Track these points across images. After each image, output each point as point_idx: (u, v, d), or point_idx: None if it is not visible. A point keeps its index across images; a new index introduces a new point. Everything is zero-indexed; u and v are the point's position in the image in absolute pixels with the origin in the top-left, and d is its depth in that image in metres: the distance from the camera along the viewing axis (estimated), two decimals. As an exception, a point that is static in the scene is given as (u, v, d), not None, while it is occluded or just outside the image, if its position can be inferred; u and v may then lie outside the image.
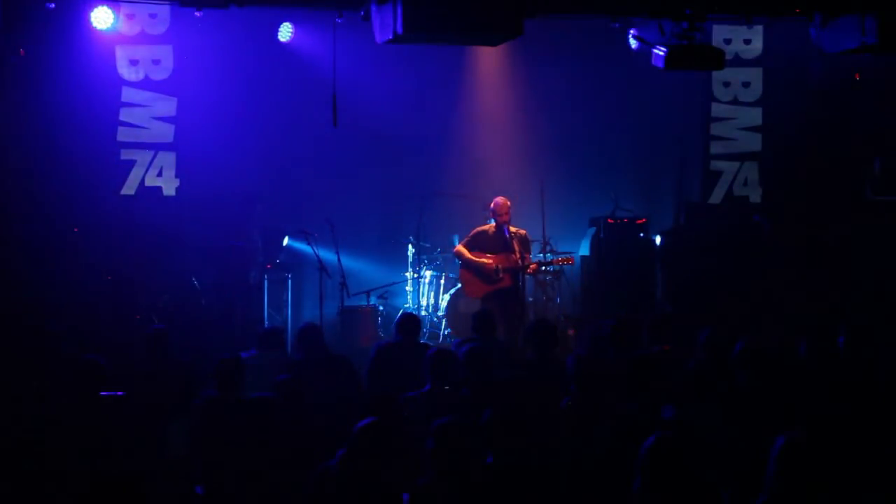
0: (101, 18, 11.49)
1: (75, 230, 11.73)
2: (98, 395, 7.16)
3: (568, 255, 11.73)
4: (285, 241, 12.57)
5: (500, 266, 10.89)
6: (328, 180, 12.94)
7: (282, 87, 12.62)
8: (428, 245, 12.87)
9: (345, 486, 5.58)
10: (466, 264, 11.12)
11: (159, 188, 12.21)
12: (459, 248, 11.19)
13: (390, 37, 8.99)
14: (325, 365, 8.19)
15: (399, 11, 8.84)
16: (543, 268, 11.77)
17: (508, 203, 10.93)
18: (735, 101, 13.06)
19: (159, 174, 12.18)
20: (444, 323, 12.40)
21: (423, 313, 12.60)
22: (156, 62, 12.05)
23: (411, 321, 8.73)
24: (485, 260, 10.94)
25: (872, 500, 5.56)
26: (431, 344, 11.15)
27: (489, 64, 13.24)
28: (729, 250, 12.34)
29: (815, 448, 5.01)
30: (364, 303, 12.50)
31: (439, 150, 13.29)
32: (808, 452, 4.98)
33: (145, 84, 12.08)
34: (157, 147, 12.17)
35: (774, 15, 10.89)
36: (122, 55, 11.99)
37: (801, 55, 12.53)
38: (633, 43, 11.99)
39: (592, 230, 12.90)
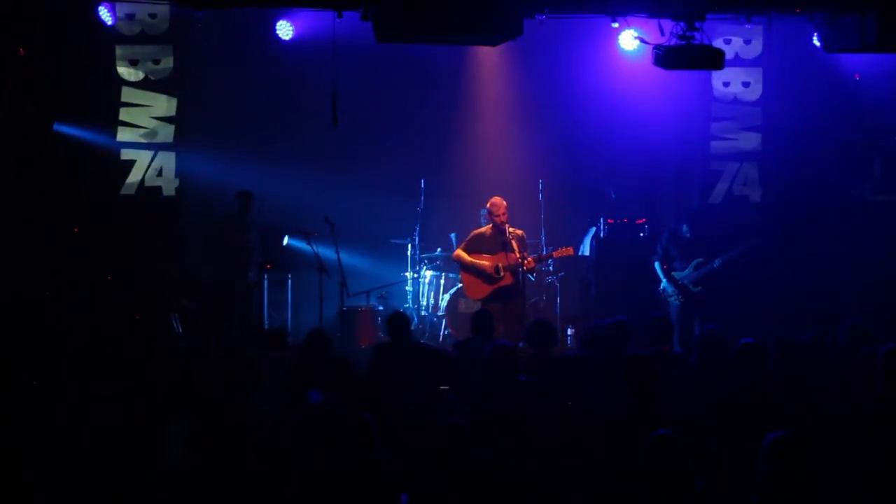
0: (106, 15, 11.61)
1: (75, 230, 11.74)
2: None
3: (566, 247, 11.62)
4: (285, 240, 12.57)
5: (500, 265, 10.89)
6: (328, 180, 12.95)
7: (281, 87, 12.63)
8: (428, 245, 12.87)
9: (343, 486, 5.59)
10: (466, 268, 11.11)
11: (159, 188, 12.21)
12: (459, 252, 11.17)
13: (390, 36, 9.00)
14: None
15: (399, 11, 8.85)
16: (540, 265, 11.72)
17: (505, 203, 10.91)
18: (735, 101, 13.06)
19: (159, 174, 12.19)
20: (443, 323, 12.39)
21: (423, 313, 12.60)
22: (156, 62, 12.07)
23: (398, 320, 8.70)
24: (484, 262, 10.92)
25: (861, 498, 5.57)
26: (430, 344, 11.16)
27: (489, 64, 13.23)
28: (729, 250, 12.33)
29: (804, 447, 5.02)
30: (364, 303, 12.51)
31: (439, 151, 13.28)
32: (795, 451, 4.99)
33: (145, 84, 12.09)
34: (157, 147, 12.18)
35: (773, 12, 10.88)
36: (122, 55, 12.00)
37: (801, 55, 12.53)
38: (633, 44, 11.98)
39: (592, 230, 12.89)
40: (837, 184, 12.98)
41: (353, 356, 9.60)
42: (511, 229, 10.86)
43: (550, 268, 12.41)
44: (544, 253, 11.68)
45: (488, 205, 10.98)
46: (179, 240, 12.23)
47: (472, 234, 11.22)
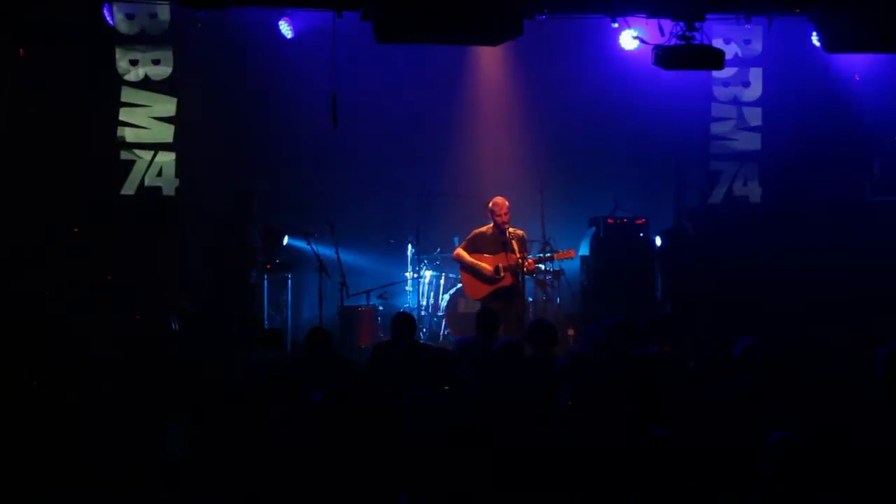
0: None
1: (75, 230, 11.73)
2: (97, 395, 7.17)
3: (568, 249, 11.65)
4: (285, 240, 12.57)
5: (500, 265, 10.89)
6: (328, 180, 12.94)
7: (281, 87, 12.62)
8: (428, 245, 12.86)
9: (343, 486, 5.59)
10: (466, 268, 11.11)
11: (159, 188, 12.22)
12: (459, 251, 11.17)
13: (390, 36, 9.01)
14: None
15: (399, 11, 8.85)
16: (542, 265, 11.74)
17: (507, 203, 10.90)
18: (735, 101, 13.06)
19: (159, 174, 12.19)
20: (443, 323, 12.39)
21: (423, 313, 12.60)
22: (156, 62, 12.07)
23: (405, 320, 8.71)
24: (484, 265, 10.93)
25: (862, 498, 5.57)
26: (430, 344, 11.16)
27: (489, 64, 13.23)
28: (728, 250, 12.34)
29: (809, 446, 5.02)
30: (364, 303, 12.50)
31: (439, 150, 13.28)
32: (801, 450, 4.99)
33: (145, 84, 12.09)
34: (157, 147, 12.19)
35: (773, 12, 10.89)
36: (122, 55, 12.00)
37: (801, 55, 12.54)
38: (633, 43, 11.98)
39: (592, 230, 12.89)
40: (837, 184, 12.98)
41: (353, 356, 9.60)
42: (511, 229, 10.86)
43: (551, 269, 12.37)
44: (546, 254, 11.67)
45: (490, 204, 10.98)
46: (179, 240, 12.22)
47: (472, 233, 11.22)
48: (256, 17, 12.04)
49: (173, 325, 11.41)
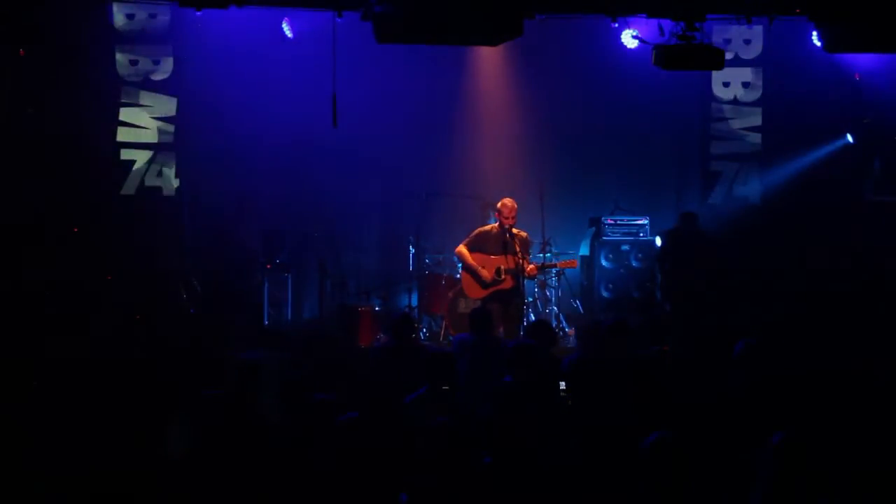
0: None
1: (75, 230, 11.74)
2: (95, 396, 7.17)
3: (571, 259, 11.72)
4: (287, 240, 12.55)
5: (502, 267, 10.90)
6: (328, 180, 12.94)
7: (281, 87, 12.62)
8: (428, 245, 12.86)
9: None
10: (466, 268, 11.12)
11: (159, 188, 12.22)
12: (461, 249, 11.17)
13: (390, 37, 9.01)
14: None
15: (399, 11, 8.86)
16: (544, 271, 11.75)
17: (515, 206, 10.91)
18: (735, 101, 13.06)
19: (159, 174, 12.19)
20: (443, 323, 12.38)
21: (423, 313, 12.59)
22: (156, 62, 12.08)
23: (405, 322, 8.71)
24: (483, 271, 10.94)
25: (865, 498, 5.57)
26: (431, 344, 11.16)
27: (489, 64, 13.23)
28: (728, 250, 12.34)
29: (809, 447, 5.02)
30: (364, 303, 12.49)
31: (439, 150, 13.27)
32: (801, 451, 4.99)
33: (145, 84, 12.10)
34: (157, 147, 12.19)
35: (774, 14, 10.89)
36: (122, 55, 12.01)
37: (801, 55, 12.54)
38: (633, 43, 11.99)
39: (592, 230, 12.89)
40: (837, 184, 12.98)
41: (353, 356, 9.61)
42: (515, 231, 10.87)
43: (553, 272, 12.35)
44: (547, 261, 11.68)
45: (498, 205, 10.99)
46: (179, 240, 12.23)
47: (476, 231, 11.23)
48: (256, 17, 12.04)
49: (176, 327, 11.42)
